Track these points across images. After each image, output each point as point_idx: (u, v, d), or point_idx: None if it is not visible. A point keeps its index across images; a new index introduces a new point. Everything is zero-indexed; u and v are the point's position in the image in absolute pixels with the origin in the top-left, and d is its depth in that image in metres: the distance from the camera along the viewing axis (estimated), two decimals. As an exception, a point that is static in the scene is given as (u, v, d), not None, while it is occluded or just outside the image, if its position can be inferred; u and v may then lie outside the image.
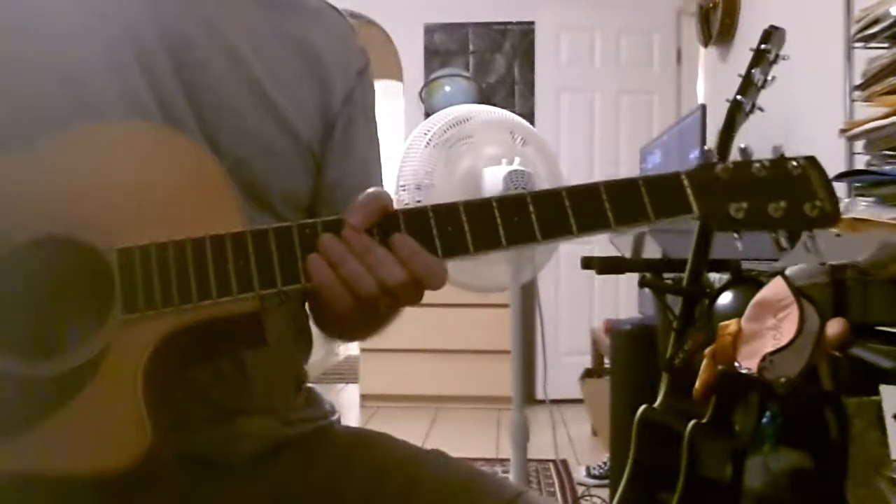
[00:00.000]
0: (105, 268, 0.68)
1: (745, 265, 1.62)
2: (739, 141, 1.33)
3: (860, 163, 1.98)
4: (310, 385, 0.97)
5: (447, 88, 4.62)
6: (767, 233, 0.75)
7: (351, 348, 6.23)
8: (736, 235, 0.76)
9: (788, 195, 0.74)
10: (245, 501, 0.85)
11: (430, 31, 4.80)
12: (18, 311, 0.69)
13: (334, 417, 0.96)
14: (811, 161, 0.75)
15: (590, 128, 4.50)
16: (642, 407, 1.55)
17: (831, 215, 0.74)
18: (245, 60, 0.84)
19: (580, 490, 2.93)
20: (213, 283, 0.68)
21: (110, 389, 0.66)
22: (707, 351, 1.37)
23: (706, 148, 0.79)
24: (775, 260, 1.66)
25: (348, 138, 0.92)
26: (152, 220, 0.70)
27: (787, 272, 1.43)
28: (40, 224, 0.69)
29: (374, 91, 0.99)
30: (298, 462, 0.88)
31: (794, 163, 0.75)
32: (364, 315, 0.72)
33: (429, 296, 0.86)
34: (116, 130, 0.76)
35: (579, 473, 3.08)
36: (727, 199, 0.74)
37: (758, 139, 1.03)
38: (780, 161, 0.75)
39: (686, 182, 0.73)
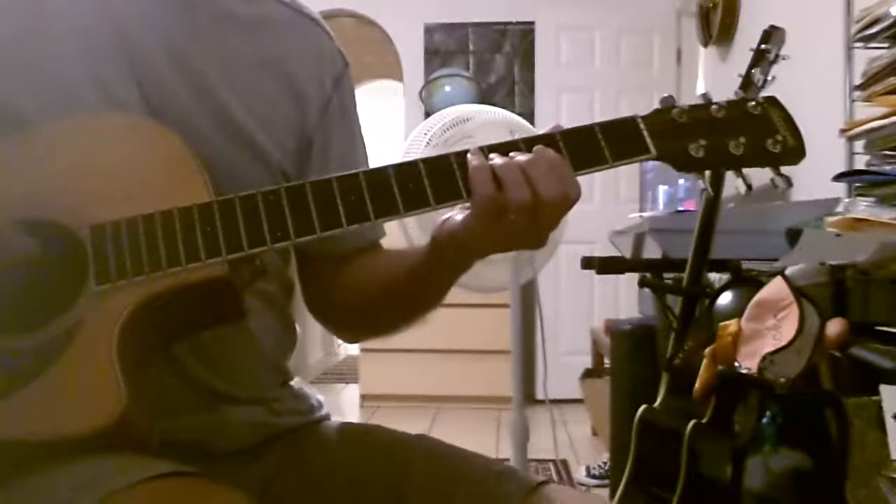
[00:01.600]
0: (79, 244, 0.71)
1: (745, 265, 1.62)
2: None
3: (860, 163, 1.97)
4: (297, 384, 0.98)
5: (447, 88, 4.62)
6: (733, 172, 0.75)
7: (351, 348, 6.23)
8: (700, 177, 0.76)
9: (748, 132, 0.73)
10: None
11: (430, 31, 4.80)
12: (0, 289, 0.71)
13: (323, 412, 0.97)
14: (771, 100, 0.75)
15: (590, 128, 4.49)
16: (642, 407, 1.54)
17: (795, 149, 0.73)
18: (212, 88, 0.84)
19: (580, 490, 2.93)
20: (182, 251, 0.71)
21: (85, 357, 0.69)
22: (707, 351, 1.37)
23: (665, 94, 0.79)
24: (775, 260, 1.66)
25: (325, 151, 0.92)
26: (123, 200, 0.72)
27: (787, 272, 1.43)
28: (17, 208, 0.72)
29: (353, 94, 0.98)
30: (288, 452, 0.89)
31: (753, 102, 0.74)
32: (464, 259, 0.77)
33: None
34: (88, 120, 0.77)
35: (579, 473, 3.08)
36: (686, 140, 0.74)
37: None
38: (738, 101, 0.75)
39: (642, 125, 0.74)
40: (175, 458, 0.77)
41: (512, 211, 0.71)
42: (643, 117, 0.75)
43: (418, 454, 0.88)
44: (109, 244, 0.71)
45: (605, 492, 2.69)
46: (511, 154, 0.73)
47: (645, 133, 0.74)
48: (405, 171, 0.73)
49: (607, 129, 0.74)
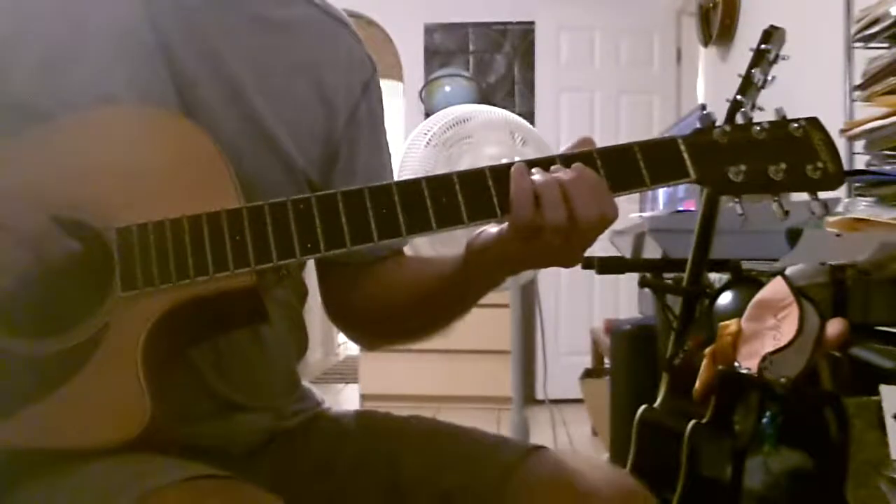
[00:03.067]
0: (105, 247, 0.70)
1: (745, 265, 1.62)
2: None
3: (860, 163, 1.98)
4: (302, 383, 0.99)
5: (447, 88, 4.61)
6: (769, 196, 0.74)
7: (351, 348, 6.22)
8: (736, 200, 0.75)
9: (789, 157, 0.73)
10: None
11: (430, 31, 4.79)
12: (25, 291, 0.70)
13: (324, 407, 0.98)
14: (813, 122, 0.74)
15: (590, 128, 4.49)
16: (642, 407, 1.54)
17: (835, 177, 0.73)
18: (243, 91, 0.83)
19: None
20: (210, 259, 0.70)
21: (110, 366, 0.68)
22: (707, 351, 1.37)
23: (705, 111, 0.79)
24: (775, 260, 1.66)
25: (351, 161, 0.92)
26: (151, 200, 0.71)
27: (787, 272, 1.43)
28: (50, 206, 0.70)
29: (381, 99, 0.97)
30: (293, 447, 0.90)
31: (796, 124, 0.74)
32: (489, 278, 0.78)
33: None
34: (115, 114, 0.76)
35: (579, 473, 3.07)
36: (726, 163, 0.73)
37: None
38: (780, 123, 0.74)
39: (683, 146, 0.73)
40: (187, 458, 0.78)
41: (548, 231, 0.70)
42: (684, 138, 0.74)
43: (412, 432, 0.89)
44: (136, 248, 0.70)
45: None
46: (551, 169, 0.72)
47: (685, 156, 0.73)
48: (438, 185, 0.73)
49: (646, 150, 0.73)
